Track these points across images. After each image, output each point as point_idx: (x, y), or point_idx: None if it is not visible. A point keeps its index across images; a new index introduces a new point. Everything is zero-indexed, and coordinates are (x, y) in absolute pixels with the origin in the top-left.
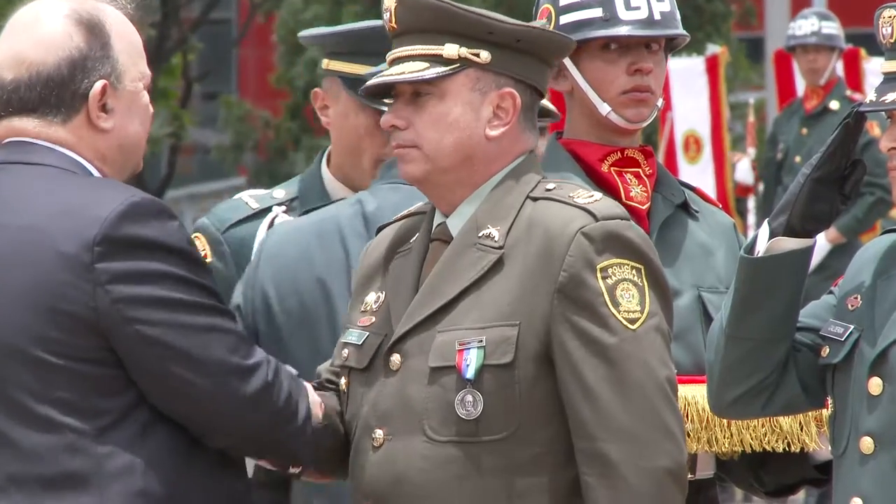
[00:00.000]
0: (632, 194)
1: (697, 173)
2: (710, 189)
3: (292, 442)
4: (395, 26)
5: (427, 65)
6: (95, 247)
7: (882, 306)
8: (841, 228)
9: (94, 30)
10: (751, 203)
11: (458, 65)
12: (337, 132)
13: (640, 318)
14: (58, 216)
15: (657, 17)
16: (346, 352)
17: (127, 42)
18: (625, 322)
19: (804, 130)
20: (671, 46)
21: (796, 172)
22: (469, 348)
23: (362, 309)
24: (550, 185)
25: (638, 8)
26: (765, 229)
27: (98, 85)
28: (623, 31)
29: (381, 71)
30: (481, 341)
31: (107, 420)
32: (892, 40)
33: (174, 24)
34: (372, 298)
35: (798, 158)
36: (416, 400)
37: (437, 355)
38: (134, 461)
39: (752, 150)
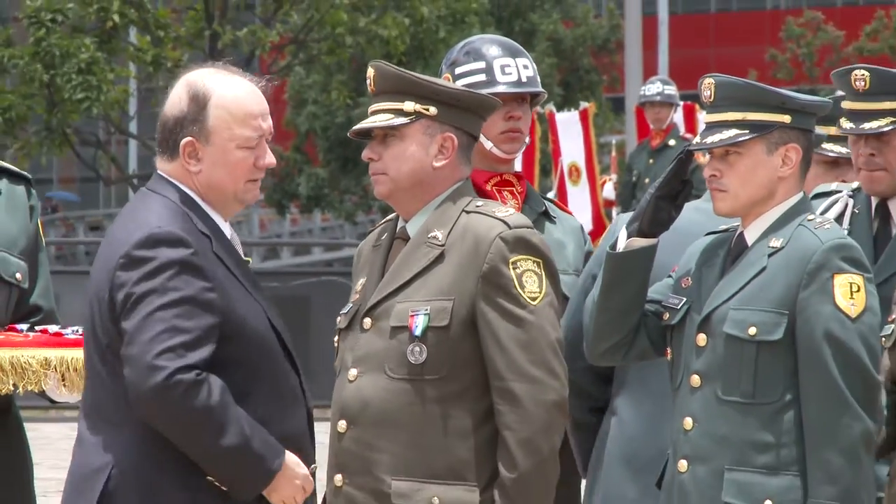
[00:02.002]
0: (508, 205)
1: (579, 192)
2: (587, 203)
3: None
4: (373, 88)
5: (393, 116)
6: (120, 260)
7: (705, 285)
8: None
9: (196, 98)
10: (614, 213)
11: (414, 116)
12: None
13: (538, 297)
14: (126, 234)
15: (524, 79)
16: (339, 318)
17: (225, 111)
18: (528, 299)
19: (651, 161)
20: (534, 102)
21: (646, 191)
22: (418, 314)
23: (355, 290)
24: (479, 203)
25: (510, 73)
26: (623, 232)
27: (185, 140)
28: (500, 89)
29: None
30: (427, 310)
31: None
32: (710, 100)
33: None
34: (359, 282)
35: (647, 180)
36: (381, 349)
37: (396, 318)
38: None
39: (614, 176)
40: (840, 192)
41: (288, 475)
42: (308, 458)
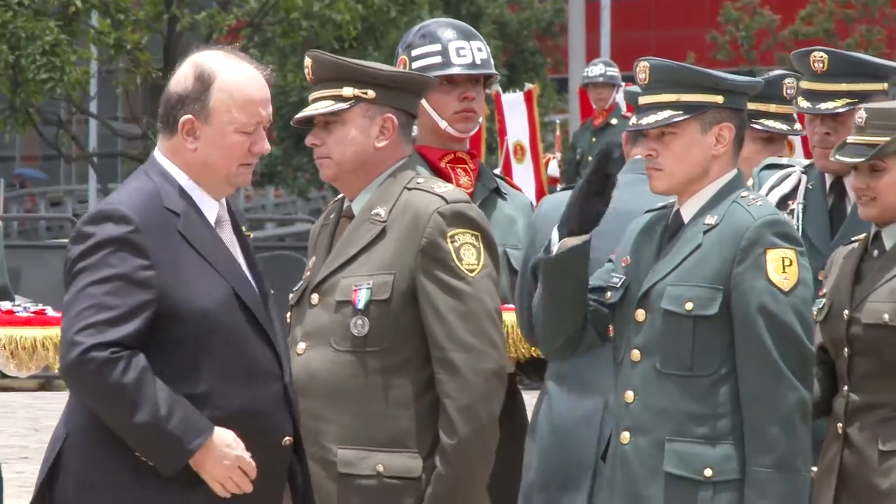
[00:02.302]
0: (461, 182)
1: (524, 170)
2: (531, 180)
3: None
4: (312, 77)
5: (333, 102)
6: (71, 235)
7: (643, 262)
8: None
9: (201, 78)
10: (559, 189)
11: (353, 101)
12: None
13: (476, 269)
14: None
15: (478, 61)
16: (290, 295)
17: (225, 95)
18: (466, 271)
19: (594, 139)
20: (487, 83)
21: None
22: (361, 288)
23: (307, 268)
24: (420, 180)
25: (465, 56)
26: (555, 235)
27: (185, 117)
28: (455, 70)
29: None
30: (369, 284)
31: None
32: (645, 82)
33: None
34: (311, 261)
35: (590, 158)
36: (326, 323)
37: (340, 293)
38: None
39: (559, 154)
40: (792, 166)
41: (214, 455)
42: (275, 432)
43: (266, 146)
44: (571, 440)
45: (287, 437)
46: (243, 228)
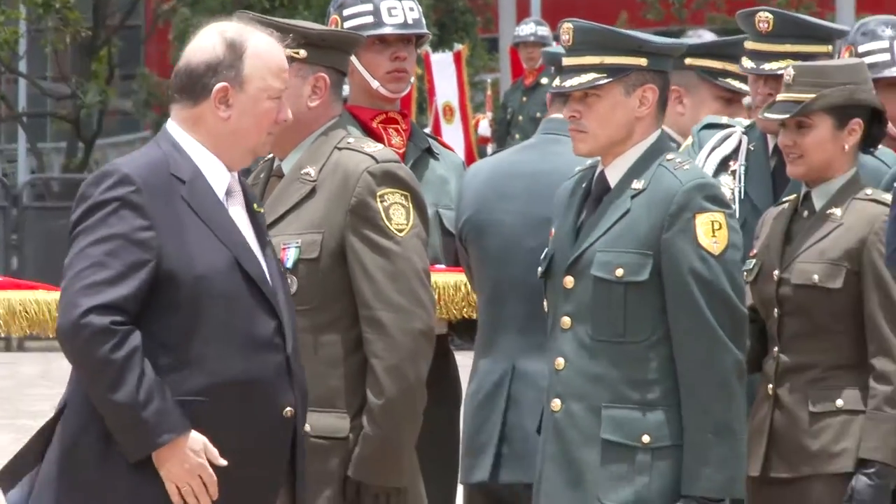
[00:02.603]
0: (393, 142)
1: (453, 130)
2: (461, 140)
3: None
4: None
5: None
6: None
7: (565, 227)
8: None
9: (233, 45)
10: (489, 149)
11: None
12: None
13: (405, 229)
14: None
15: (410, 21)
16: None
17: (260, 61)
18: (395, 231)
19: (524, 99)
20: (419, 43)
21: (520, 128)
22: (290, 247)
23: None
24: (351, 140)
25: (397, 15)
26: None
27: (220, 84)
28: (387, 30)
29: None
30: (298, 243)
31: None
32: (569, 44)
33: (102, 29)
34: None
35: (521, 118)
36: None
37: None
38: None
39: (489, 114)
40: (732, 126)
41: (178, 456)
42: (275, 402)
43: (289, 114)
44: (483, 406)
45: (288, 408)
46: (255, 206)
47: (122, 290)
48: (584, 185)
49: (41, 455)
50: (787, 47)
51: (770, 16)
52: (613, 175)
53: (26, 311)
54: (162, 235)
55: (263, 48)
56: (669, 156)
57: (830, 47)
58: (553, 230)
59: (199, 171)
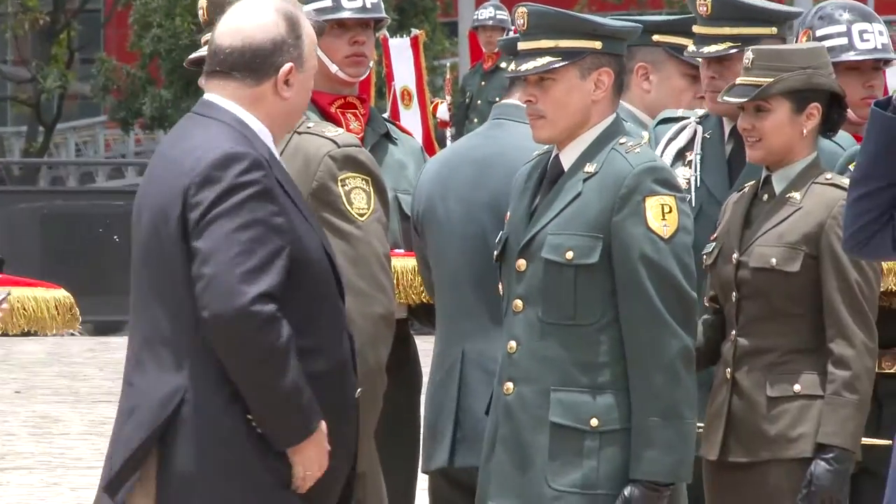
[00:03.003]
0: (351, 127)
1: (411, 115)
2: (418, 125)
3: None
4: (206, 18)
5: None
6: (193, 182)
7: (519, 211)
8: None
9: (293, 24)
10: (448, 133)
11: None
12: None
13: (367, 213)
14: (190, 156)
15: (369, 5)
16: None
17: (310, 40)
18: (356, 215)
19: (483, 83)
20: (378, 27)
21: (478, 112)
22: None
23: None
24: (310, 124)
25: (356, 0)
26: None
27: (287, 65)
28: (346, 14)
29: None
30: None
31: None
32: (524, 28)
33: (61, 13)
34: None
35: (479, 102)
36: None
37: None
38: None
39: (449, 98)
40: (687, 118)
41: (317, 440)
42: (353, 385)
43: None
44: (438, 392)
45: (360, 388)
46: None
47: (274, 277)
48: (539, 170)
49: (147, 455)
50: (726, 30)
51: None
52: (567, 158)
53: (24, 309)
54: (286, 220)
55: (309, 25)
56: (622, 139)
57: (776, 29)
58: (508, 214)
59: (272, 151)
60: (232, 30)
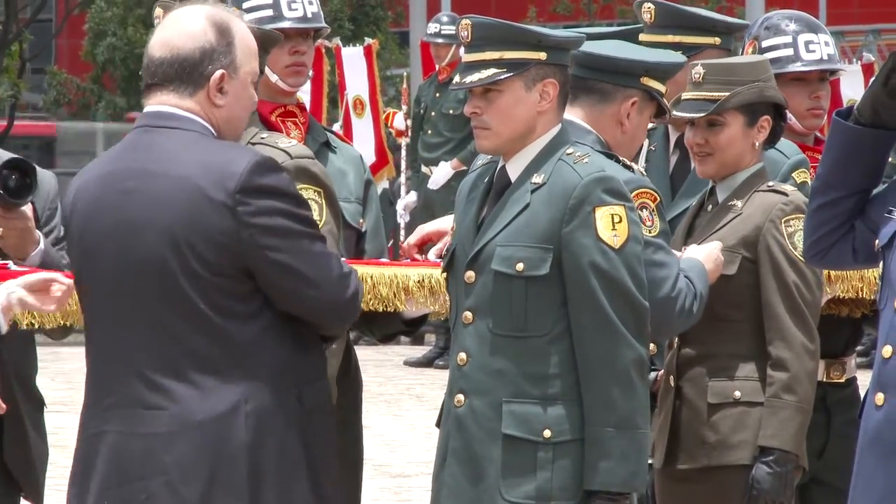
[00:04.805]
0: (291, 135)
1: (363, 124)
2: (371, 135)
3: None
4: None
5: None
6: (236, 195)
7: (466, 222)
8: (460, 158)
9: (223, 31)
10: (403, 143)
11: None
12: None
13: (318, 225)
14: (204, 170)
15: (309, 15)
16: None
17: (245, 46)
18: None
19: (437, 94)
20: (317, 36)
21: (432, 123)
22: None
23: None
24: (264, 135)
25: (297, 9)
26: None
27: (218, 73)
28: (286, 24)
29: None
30: None
31: (240, 318)
32: (468, 40)
33: (13, 23)
34: None
35: (433, 113)
36: None
37: None
38: (260, 347)
39: (404, 107)
40: None
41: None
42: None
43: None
44: None
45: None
46: None
47: (345, 267)
48: (485, 180)
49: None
50: (669, 37)
51: (651, 6)
52: (514, 169)
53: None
54: None
55: (245, 31)
56: (570, 150)
57: (719, 39)
58: (454, 225)
59: None
60: (162, 41)
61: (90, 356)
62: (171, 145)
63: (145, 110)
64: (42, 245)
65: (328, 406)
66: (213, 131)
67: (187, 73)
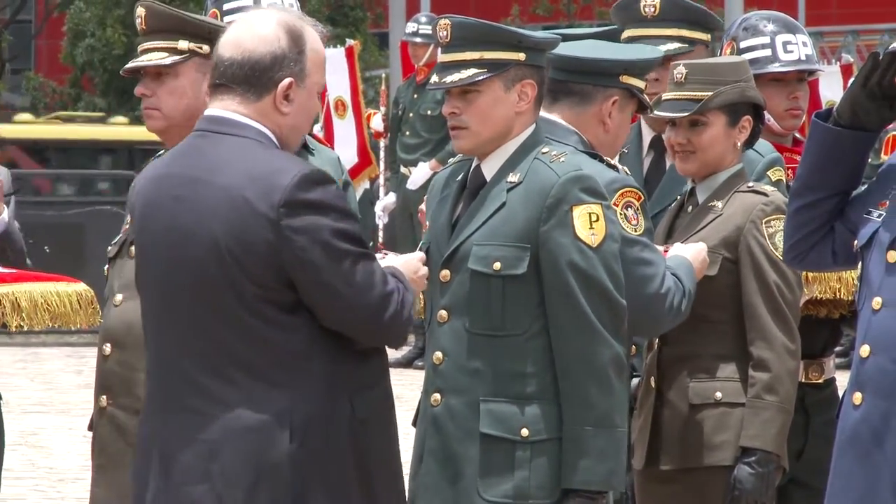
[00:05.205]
0: None
1: (345, 125)
2: (353, 135)
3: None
4: (144, 27)
5: (167, 54)
6: (280, 208)
7: (440, 220)
8: (439, 159)
9: (295, 38)
10: (382, 144)
11: (188, 55)
12: None
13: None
14: (251, 181)
15: None
16: (109, 248)
17: (315, 55)
18: None
19: (415, 95)
20: None
21: (410, 124)
22: None
23: (126, 221)
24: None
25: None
26: None
27: (287, 80)
28: None
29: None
30: None
31: (287, 328)
32: (447, 41)
33: None
34: (130, 216)
35: (412, 114)
36: None
37: None
38: (308, 356)
39: (383, 108)
40: None
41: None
42: None
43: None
44: None
45: None
46: None
47: (385, 283)
48: (458, 178)
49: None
50: (672, 31)
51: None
52: (489, 168)
53: (48, 304)
54: None
55: (316, 41)
56: (545, 149)
57: (709, 37)
58: (427, 223)
59: None
60: (233, 42)
61: (148, 355)
62: (223, 153)
63: (205, 113)
64: (4, 215)
65: (386, 414)
66: (273, 138)
67: (256, 76)
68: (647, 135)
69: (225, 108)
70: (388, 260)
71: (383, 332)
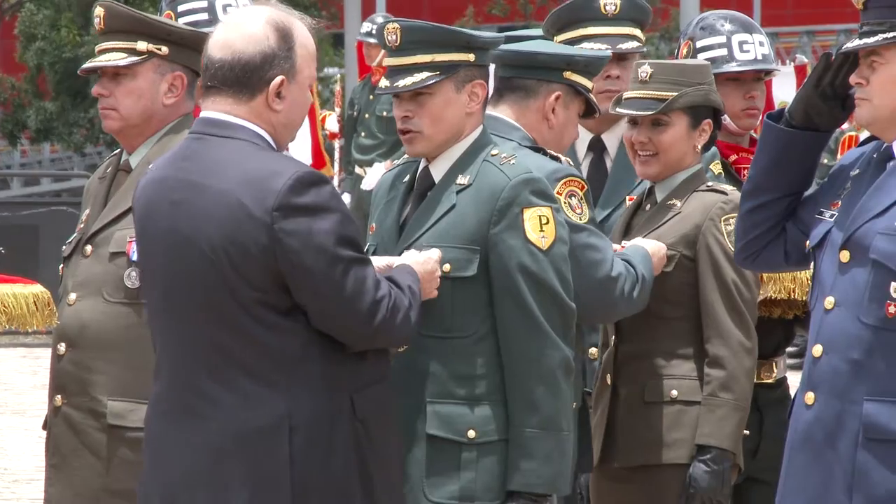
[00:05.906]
0: None
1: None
2: (307, 137)
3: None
4: (103, 27)
5: (125, 55)
6: (274, 212)
7: (386, 223)
8: (394, 159)
9: (284, 35)
10: (337, 144)
11: (147, 55)
12: None
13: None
14: (246, 184)
15: None
16: (64, 247)
17: (305, 50)
18: None
19: (371, 96)
20: None
21: (366, 125)
22: (135, 240)
23: (81, 220)
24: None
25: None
26: None
27: (278, 78)
28: None
29: None
30: None
31: (284, 331)
32: (396, 44)
33: None
34: (85, 213)
35: (367, 115)
36: (99, 274)
37: (115, 244)
38: (306, 358)
39: (338, 109)
40: None
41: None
42: None
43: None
44: None
45: None
46: None
47: (377, 290)
48: (405, 180)
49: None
50: (630, 30)
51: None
52: (438, 170)
53: (4, 306)
54: None
55: (305, 36)
56: (494, 150)
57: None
58: (373, 225)
59: None
60: (222, 42)
61: (156, 356)
62: (218, 156)
63: (200, 116)
64: None
65: (386, 412)
66: (268, 136)
67: (248, 77)
68: (587, 135)
69: (219, 109)
70: (404, 257)
71: (372, 337)
